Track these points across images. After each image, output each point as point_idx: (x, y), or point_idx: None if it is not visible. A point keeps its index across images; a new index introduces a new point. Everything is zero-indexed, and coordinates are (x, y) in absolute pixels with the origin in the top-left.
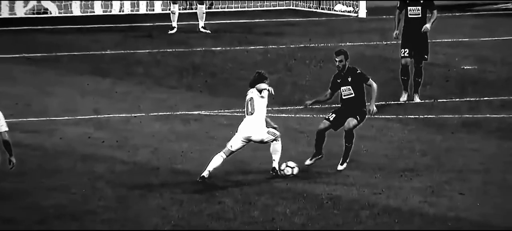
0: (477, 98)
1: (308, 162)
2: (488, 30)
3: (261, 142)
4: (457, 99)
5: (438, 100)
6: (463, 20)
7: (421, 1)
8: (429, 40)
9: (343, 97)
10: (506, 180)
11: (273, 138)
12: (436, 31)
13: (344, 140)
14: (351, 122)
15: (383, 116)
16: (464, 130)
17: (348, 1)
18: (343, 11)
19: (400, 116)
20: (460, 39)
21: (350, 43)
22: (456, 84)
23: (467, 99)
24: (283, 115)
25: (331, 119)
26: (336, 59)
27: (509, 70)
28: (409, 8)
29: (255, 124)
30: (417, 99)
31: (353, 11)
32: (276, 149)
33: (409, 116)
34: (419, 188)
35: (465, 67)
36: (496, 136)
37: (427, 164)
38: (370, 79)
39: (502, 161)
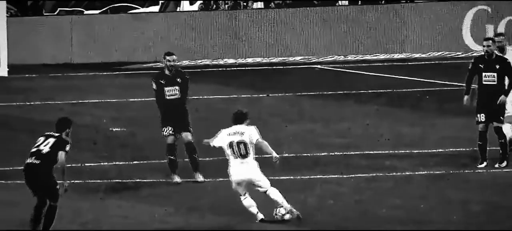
0: (127, 162)
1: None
2: (136, 90)
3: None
4: (106, 163)
5: (86, 164)
6: (110, 80)
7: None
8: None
9: None
10: None
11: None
12: (81, 92)
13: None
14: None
15: None
16: (114, 195)
17: None
18: None
19: None
20: (107, 100)
21: None
22: (105, 147)
23: (116, 163)
24: None
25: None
26: None
27: (152, 131)
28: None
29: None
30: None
31: None
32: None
33: None
34: None
35: (114, 130)
36: (147, 201)
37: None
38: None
39: None
